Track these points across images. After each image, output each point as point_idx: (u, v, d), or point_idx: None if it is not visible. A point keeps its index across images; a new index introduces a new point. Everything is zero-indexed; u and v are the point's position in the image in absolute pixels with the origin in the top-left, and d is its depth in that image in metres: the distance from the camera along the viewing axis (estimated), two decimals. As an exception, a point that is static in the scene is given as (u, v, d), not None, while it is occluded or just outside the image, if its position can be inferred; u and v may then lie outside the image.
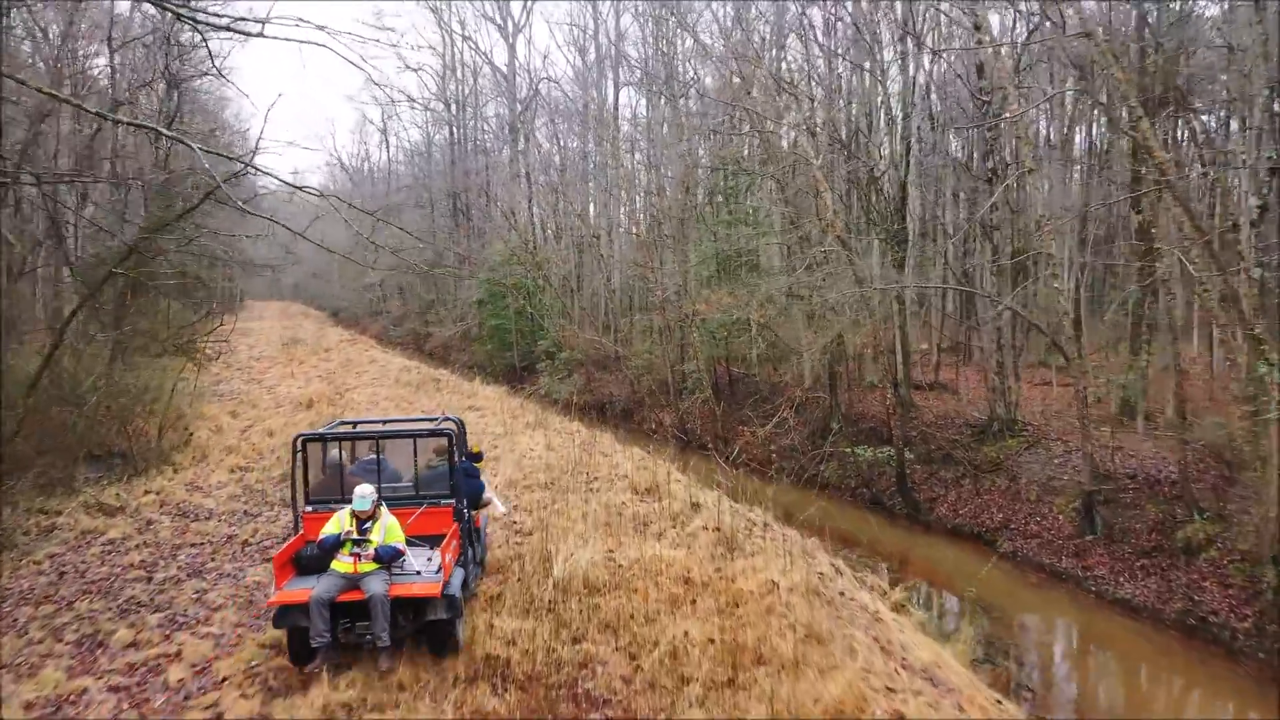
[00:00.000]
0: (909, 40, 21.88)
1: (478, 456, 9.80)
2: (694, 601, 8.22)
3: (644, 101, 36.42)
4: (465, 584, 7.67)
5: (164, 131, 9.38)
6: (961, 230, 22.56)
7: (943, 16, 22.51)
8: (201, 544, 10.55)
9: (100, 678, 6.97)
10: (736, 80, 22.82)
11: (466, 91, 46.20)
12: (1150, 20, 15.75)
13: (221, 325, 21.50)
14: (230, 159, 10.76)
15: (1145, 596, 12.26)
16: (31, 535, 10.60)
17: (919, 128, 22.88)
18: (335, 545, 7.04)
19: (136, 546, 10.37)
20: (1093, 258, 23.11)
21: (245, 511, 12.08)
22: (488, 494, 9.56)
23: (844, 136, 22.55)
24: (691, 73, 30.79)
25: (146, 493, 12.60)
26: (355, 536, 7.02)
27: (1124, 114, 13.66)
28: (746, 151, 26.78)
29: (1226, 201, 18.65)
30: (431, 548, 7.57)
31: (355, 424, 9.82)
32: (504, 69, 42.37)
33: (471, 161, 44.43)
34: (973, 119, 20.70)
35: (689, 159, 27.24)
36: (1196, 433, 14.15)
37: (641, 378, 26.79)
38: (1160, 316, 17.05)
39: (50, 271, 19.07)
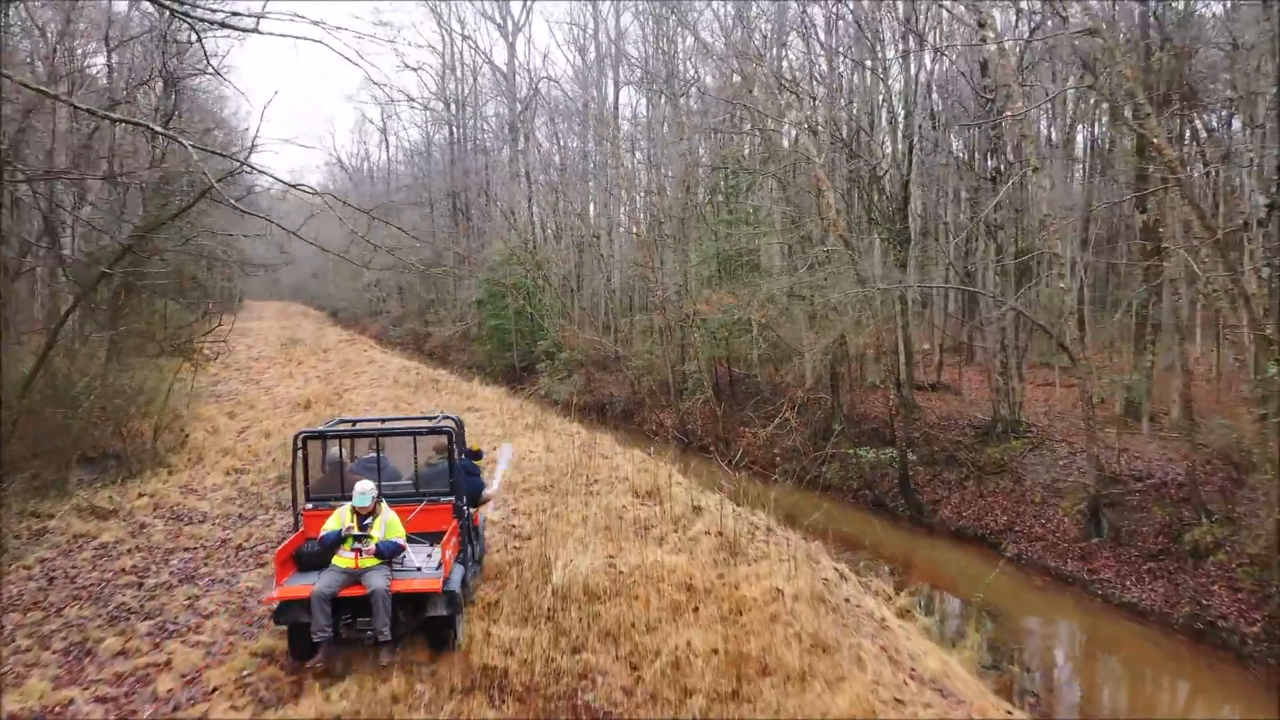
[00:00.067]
0: (911, 38, 21.75)
1: (477, 454, 9.74)
2: (696, 609, 8.03)
3: (644, 100, 36.34)
4: (464, 581, 7.65)
5: (157, 129, 9.31)
6: (964, 230, 22.40)
7: (944, 14, 22.35)
8: (195, 548, 10.38)
9: (87, 688, 6.80)
10: (737, 79, 22.64)
11: (466, 91, 46.09)
12: (1155, 17, 15.60)
13: (219, 325, 21.37)
14: (224, 157, 10.65)
15: (1152, 600, 12.10)
16: (23, 539, 10.42)
17: (921, 126, 22.72)
18: (336, 541, 7.05)
19: (129, 551, 10.20)
20: (1095, 257, 22.94)
21: (240, 515, 11.91)
22: (488, 491, 9.47)
23: (845, 135, 22.39)
24: (692, 71, 30.69)
25: (140, 495, 12.43)
26: (356, 532, 7.00)
27: (1129, 112, 13.51)
28: (747, 150, 26.62)
29: (1230, 200, 18.51)
30: (431, 544, 7.57)
31: (354, 423, 9.86)
32: (504, 68, 42.31)
33: (471, 161, 44.27)
34: (975, 117, 20.56)
35: (689, 158, 27.06)
36: (1204, 434, 13.99)
37: (642, 378, 26.62)
38: (1165, 316, 16.90)
39: (47, 272, 18.94)
